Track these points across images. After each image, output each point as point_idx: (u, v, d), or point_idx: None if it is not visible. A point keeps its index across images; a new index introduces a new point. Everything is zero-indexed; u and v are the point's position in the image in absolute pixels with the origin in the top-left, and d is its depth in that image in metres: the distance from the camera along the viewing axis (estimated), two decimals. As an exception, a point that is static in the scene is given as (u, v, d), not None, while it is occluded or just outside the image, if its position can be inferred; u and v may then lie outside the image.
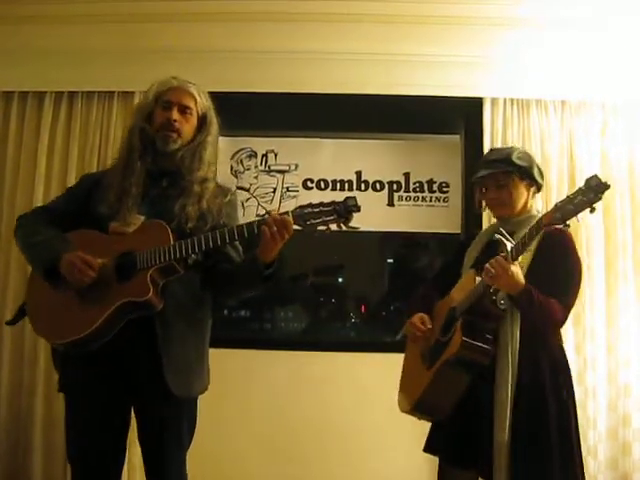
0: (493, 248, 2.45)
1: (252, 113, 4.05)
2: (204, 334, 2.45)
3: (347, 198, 2.16)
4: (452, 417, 2.48)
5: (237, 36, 3.77)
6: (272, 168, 4.13)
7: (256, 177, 4.12)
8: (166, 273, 2.24)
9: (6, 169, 3.82)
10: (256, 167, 4.13)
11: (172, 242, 2.22)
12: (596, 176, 2.08)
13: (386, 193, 4.08)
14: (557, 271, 2.42)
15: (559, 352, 2.52)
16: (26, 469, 3.62)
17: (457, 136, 4.09)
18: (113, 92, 3.81)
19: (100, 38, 3.76)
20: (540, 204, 3.55)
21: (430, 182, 4.07)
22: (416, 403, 2.52)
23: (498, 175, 2.54)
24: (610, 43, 3.72)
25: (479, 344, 2.36)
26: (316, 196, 4.02)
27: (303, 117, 4.11)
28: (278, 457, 3.75)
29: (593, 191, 2.05)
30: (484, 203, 2.68)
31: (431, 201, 4.06)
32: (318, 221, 2.16)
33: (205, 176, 2.40)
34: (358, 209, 2.15)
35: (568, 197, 2.11)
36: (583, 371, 3.63)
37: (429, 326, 2.58)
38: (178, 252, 2.21)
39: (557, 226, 2.14)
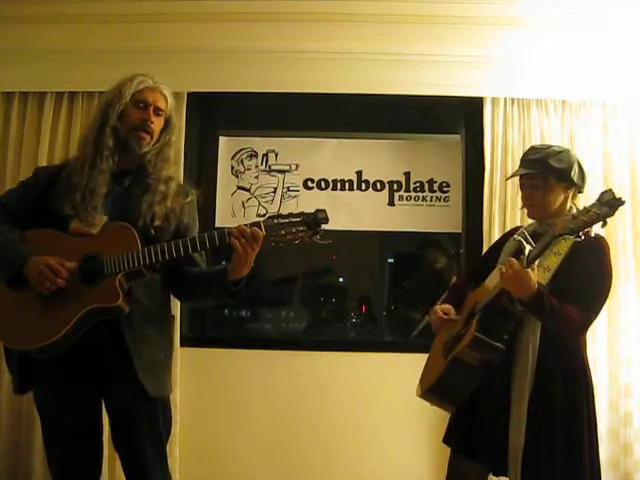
0: (519, 249, 2.40)
1: (253, 113, 4.06)
2: (170, 333, 2.46)
3: (317, 210, 2.16)
4: (469, 411, 2.48)
5: (238, 36, 3.77)
6: (273, 168, 4.13)
7: (257, 177, 4.12)
8: (133, 277, 2.23)
9: (7, 169, 3.81)
10: (257, 167, 4.13)
11: (140, 246, 2.20)
12: (611, 190, 2.09)
13: (387, 193, 4.08)
14: (584, 278, 2.37)
15: (577, 361, 2.48)
16: (27, 468, 3.62)
17: (457, 136, 4.08)
18: (113, 92, 3.81)
19: (101, 38, 3.76)
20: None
21: (431, 182, 4.07)
22: (429, 388, 2.51)
23: (533, 175, 2.50)
24: (610, 42, 3.72)
25: (490, 341, 2.34)
26: (317, 196, 4.03)
27: (304, 117, 4.11)
28: (278, 457, 3.75)
29: (607, 205, 2.06)
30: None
31: (432, 201, 4.06)
32: (287, 231, 2.15)
33: (169, 175, 2.39)
34: (326, 221, 2.15)
35: (585, 208, 2.12)
36: (584, 371, 3.63)
37: (452, 316, 2.57)
38: (147, 258, 2.19)
39: (570, 236, 2.14)
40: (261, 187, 4.11)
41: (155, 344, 2.34)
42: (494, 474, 2.53)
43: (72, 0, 3.76)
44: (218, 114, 4.09)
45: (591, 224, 2.09)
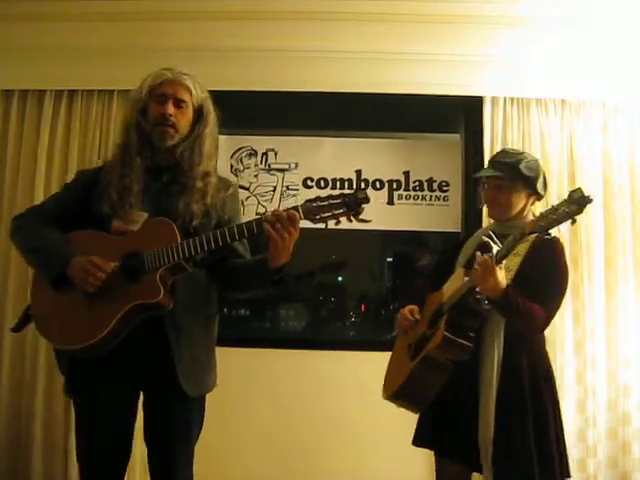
0: (485, 248, 2.47)
1: (252, 111, 4.05)
2: (212, 331, 2.42)
3: (356, 190, 2.13)
4: (437, 411, 2.52)
5: (237, 35, 3.77)
6: (272, 167, 4.13)
7: (256, 176, 4.12)
8: (174, 272, 2.20)
9: (6, 168, 3.82)
10: (256, 166, 4.13)
11: (179, 240, 2.17)
12: (580, 189, 2.15)
13: (386, 192, 4.08)
14: (544, 277, 2.45)
15: (540, 357, 2.57)
16: (26, 467, 3.63)
17: (457, 135, 4.08)
18: (113, 90, 3.81)
19: (100, 36, 3.76)
20: (539, 207, 3.55)
21: (430, 181, 4.07)
22: (396, 391, 2.56)
23: (501, 177, 2.58)
24: (610, 42, 3.72)
25: (460, 340, 2.39)
26: (317, 195, 4.01)
27: (303, 116, 4.11)
28: (278, 454, 3.76)
29: (576, 204, 2.12)
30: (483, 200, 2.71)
31: (431, 200, 4.06)
32: (327, 215, 2.11)
33: (207, 170, 2.34)
34: (368, 200, 2.11)
35: (552, 207, 2.17)
36: (583, 371, 3.64)
37: (417, 317, 2.63)
38: (187, 251, 2.16)
39: (539, 234, 2.21)
40: (260, 186, 4.11)
41: (198, 342, 2.32)
42: (474, 471, 2.55)
43: (72, -2, 3.77)
44: (217, 112, 4.08)
45: (561, 222, 2.16)
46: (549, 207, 2.20)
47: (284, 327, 4.40)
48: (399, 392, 2.55)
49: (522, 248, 2.40)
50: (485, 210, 3.65)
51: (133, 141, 2.32)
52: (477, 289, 2.38)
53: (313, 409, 3.77)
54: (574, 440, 3.60)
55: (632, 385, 3.64)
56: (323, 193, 4.01)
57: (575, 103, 3.78)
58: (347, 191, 2.16)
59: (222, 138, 4.07)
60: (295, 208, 2.13)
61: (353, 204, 2.10)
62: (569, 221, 2.14)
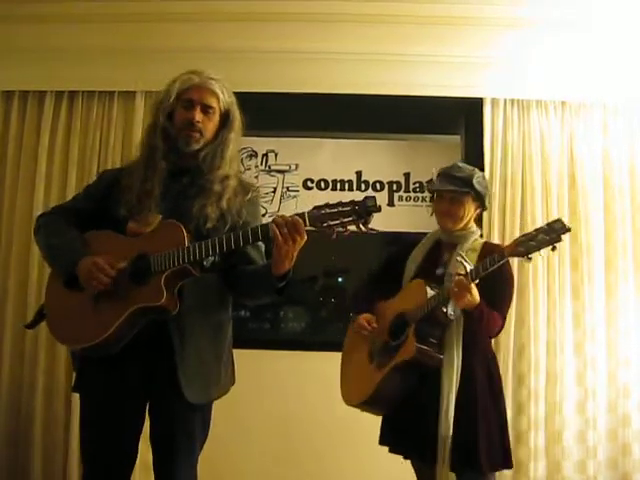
0: (433, 257, 2.78)
1: (252, 113, 4.02)
2: (223, 337, 2.38)
3: (366, 198, 2.02)
4: (400, 413, 2.69)
5: (237, 36, 3.77)
6: (272, 168, 4.13)
7: (256, 177, 4.12)
8: (181, 276, 2.18)
9: (6, 168, 3.82)
10: (256, 167, 4.14)
11: (187, 243, 2.15)
12: (560, 220, 2.34)
13: (386, 193, 4.09)
14: (496, 286, 2.64)
15: (492, 360, 2.77)
16: (26, 467, 3.63)
17: (457, 136, 4.09)
18: (114, 92, 3.82)
19: (101, 38, 3.77)
20: (539, 209, 3.57)
21: (430, 182, 4.06)
22: (368, 398, 2.72)
23: (457, 191, 2.75)
24: (611, 43, 3.73)
25: (430, 350, 2.60)
26: (316, 196, 4.02)
27: (303, 117, 4.10)
28: (279, 457, 3.75)
29: (555, 232, 2.31)
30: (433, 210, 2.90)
31: (431, 202, 4.05)
32: (336, 222, 2.03)
33: (226, 174, 2.32)
34: (378, 209, 2.03)
35: (531, 233, 2.37)
36: (583, 372, 3.64)
37: (375, 326, 2.77)
38: (192, 255, 2.13)
39: (520, 258, 2.41)
40: (261, 187, 4.09)
41: (206, 348, 2.29)
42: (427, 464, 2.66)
43: (73, 0, 3.76)
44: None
45: (540, 248, 2.34)
46: (526, 233, 2.41)
47: (284, 328, 4.39)
48: (369, 400, 2.73)
49: (473, 258, 2.64)
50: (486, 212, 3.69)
51: (159, 145, 2.30)
52: (443, 301, 2.56)
53: (314, 410, 3.76)
54: (574, 441, 3.61)
55: (632, 386, 3.64)
56: (323, 194, 4.07)
57: (575, 105, 3.79)
58: (357, 199, 2.07)
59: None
60: (302, 215, 2.06)
61: (363, 212, 2.01)
62: (550, 247, 2.32)
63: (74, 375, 2.40)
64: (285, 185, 4.10)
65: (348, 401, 2.87)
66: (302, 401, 3.78)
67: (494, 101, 3.79)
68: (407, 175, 4.10)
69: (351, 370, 2.92)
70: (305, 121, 4.14)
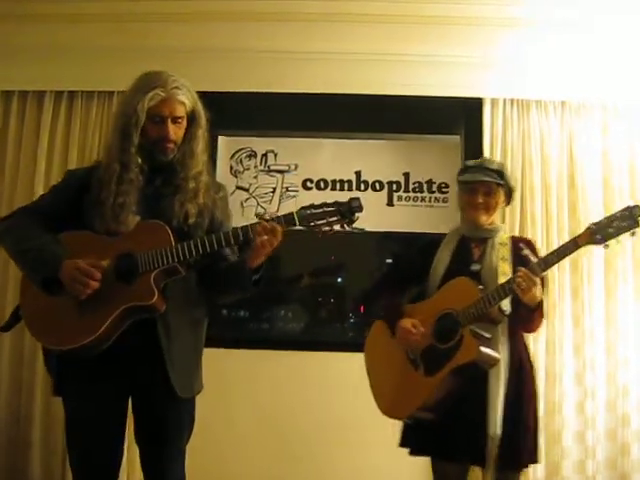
0: (462, 255, 2.68)
1: (252, 113, 4.04)
2: (201, 334, 2.43)
3: (351, 199, 2.15)
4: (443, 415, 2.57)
5: (237, 36, 3.77)
6: (272, 168, 4.13)
7: (256, 177, 4.12)
8: (168, 275, 2.21)
9: (5, 168, 3.83)
10: (256, 167, 4.13)
11: (173, 243, 2.19)
12: (638, 206, 2.33)
13: (385, 193, 4.08)
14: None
15: (528, 351, 2.71)
16: (25, 468, 3.63)
17: (457, 136, 4.08)
18: (113, 92, 3.81)
19: (100, 37, 3.76)
20: (539, 209, 3.58)
21: (430, 182, 4.07)
22: (422, 406, 2.57)
23: (492, 184, 2.67)
24: (611, 44, 3.73)
25: (491, 350, 2.49)
26: (316, 196, 4.01)
27: (303, 117, 4.10)
28: (277, 457, 3.75)
29: (632, 218, 2.31)
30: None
31: (430, 201, 4.06)
32: (322, 222, 2.15)
33: (199, 170, 2.35)
34: (361, 209, 2.15)
35: (603, 221, 2.35)
36: (582, 372, 3.64)
37: (422, 330, 2.61)
38: (181, 254, 2.17)
39: (594, 244, 2.37)
40: (260, 187, 4.10)
41: (188, 344, 2.34)
42: (476, 464, 2.65)
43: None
44: (217, 113, 4.06)
45: (619, 234, 2.32)
46: (600, 220, 2.37)
47: (283, 328, 4.39)
48: (423, 407, 2.57)
49: (505, 252, 2.60)
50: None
51: (134, 160, 2.30)
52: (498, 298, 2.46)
53: (312, 410, 3.77)
54: (573, 441, 3.61)
55: (631, 386, 3.64)
56: (323, 194, 4.07)
57: (575, 105, 3.79)
58: (341, 199, 2.16)
59: (222, 139, 4.11)
60: (290, 214, 2.17)
61: (347, 212, 2.14)
62: (629, 233, 2.31)
63: (51, 380, 2.36)
64: (284, 185, 4.09)
65: (396, 413, 2.70)
66: (300, 401, 3.78)
67: (494, 101, 3.79)
68: (407, 175, 4.09)
69: (391, 381, 2.73)
70: (305, 121, 4.14)
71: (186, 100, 2.32)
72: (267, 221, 2.18)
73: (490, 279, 2.53)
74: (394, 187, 4.09)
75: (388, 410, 2.72)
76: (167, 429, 2.31)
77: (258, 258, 2.21)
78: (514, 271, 2.49)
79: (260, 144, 4.14)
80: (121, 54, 3.74)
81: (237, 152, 4.13)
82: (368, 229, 4.01)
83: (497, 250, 2.61)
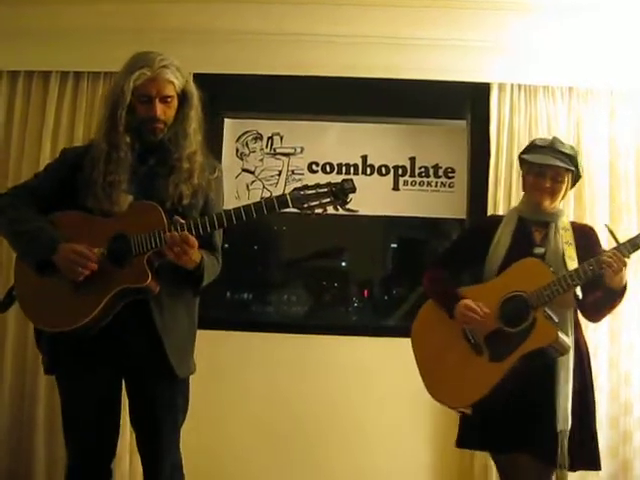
0: (523, 237, 2.59)
1: (258, 95, 4.03)
2: (194, 315, 2.45)
3: (344, 180, 2.16)
4: (490, 410, 2.48)
5: (245, 18, 3.75)
6: (278, 151, 4.12)
7: (261, 160, 4.11)
8: (161, 256, 2.22)
9: (11, 148, 3.82)
10: (261, 150, 4.12)
11: (166, 224, 2.19)
12: None
13: (391, 177, 4.07)
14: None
15: (585, 343, 2.66)
16: (29, 448, 3.65)
17: (463, 121, 4.06)
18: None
19: (106, 18, 3.74)
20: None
21: (436, 167, 4.06)
22: (489, 392, 2.44)
23: (561, 169, 2.58)
24: (619, 29, 3.69)
25: (566, 337, 2.42)
26: (322, 180, 3.96)
27: (309, 100, 4.09)
28: (278, 441, 3.77)
29: None
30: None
31: (436, 186, 4.05)
32: (315, 203, 2.15)
33: (193, 150, 2.35)
34: (354, 190, 2.15)
35: None
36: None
37: (487, 311, 2.49)
38: None
39: None
40: (266, 170, 4.10)
41: (182, 324, 2.35)
42: (539, 459, 2.51)
43: (78, -21, 3.74)
44: (223, 96, 4.07)
45: None
46: None
47: (286, 311, 4.39)
48: (490, 394, 2.43)
49: (569, 237, 2.53)
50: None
51: (122, 140, 2.29)
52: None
53: (315, 394, 3.78)
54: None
55: (634, 374, 3.64)
56: (328, 178, 4.05)
57: (582, 90, 3.77)
58: (334, 180, 2.16)
59: (228, 122, 4.10)
60: (283, 196, 2.16)
61: (340, 193, 2.14)
62: None
63: (42, 358, 2.39)
64: (290, 168, 4.09)
65: (458, 402, 2.54)
66: (304, 383, 3.78)
67: (501, 86, 3.77)
68: (412, 159, 4.08)
69: (448, 367, 2.56)
70: (311, 104, 4.13)
71: (175, 79, 2.30)
72: (181, 226, 2.16)
73: (556, 263, 2.46)
74: (400, 172, 4.07)
75: (447, 398, 2.57)
76: (162, 410, 2.33)
77: (185, 266, 2.22)
78: (579, 256, 2.44)
79: (266, 127, 4.13)
80: (127, 35, 3.71)
81: (243, 135, 4.12)
82: (373, 213, 4.02)
83: (561, 234, 2.54)
